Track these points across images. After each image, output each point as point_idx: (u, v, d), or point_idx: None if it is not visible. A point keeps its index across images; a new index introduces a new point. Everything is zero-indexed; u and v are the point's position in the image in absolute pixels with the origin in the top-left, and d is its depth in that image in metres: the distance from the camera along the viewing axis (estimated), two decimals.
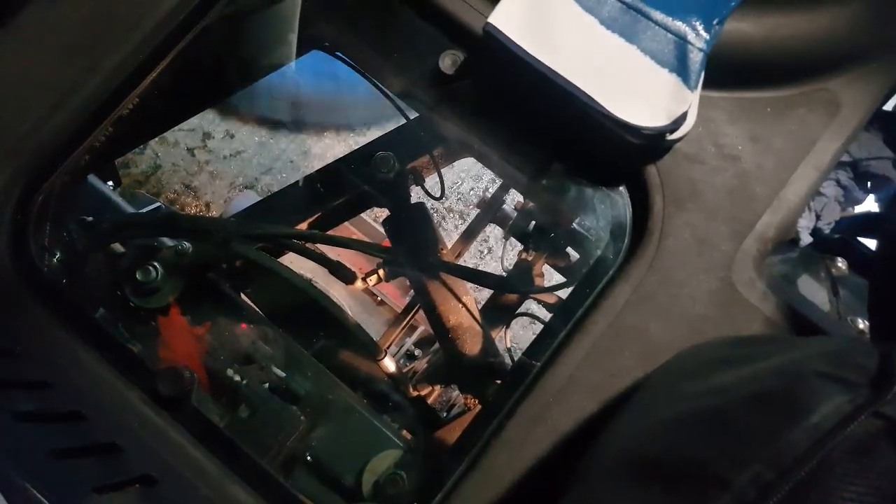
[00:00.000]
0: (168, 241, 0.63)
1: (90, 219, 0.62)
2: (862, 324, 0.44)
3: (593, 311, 0.41)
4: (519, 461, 0.38)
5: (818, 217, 0.93)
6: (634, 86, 0.40)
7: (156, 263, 0.58)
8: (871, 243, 0.57)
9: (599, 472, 0.32)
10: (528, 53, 0.40)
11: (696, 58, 0.40)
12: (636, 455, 0.29)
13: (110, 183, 0.79)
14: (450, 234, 1.76)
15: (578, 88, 0.40)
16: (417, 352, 1.19)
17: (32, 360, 0.39)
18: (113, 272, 0.59)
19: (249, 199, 1.59)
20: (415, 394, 0.69)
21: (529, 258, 0.84)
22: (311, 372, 0.60)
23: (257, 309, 0.66)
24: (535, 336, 0.47)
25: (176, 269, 0.59)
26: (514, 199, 1.14)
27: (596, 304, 0.42)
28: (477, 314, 0.70)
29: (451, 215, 1.87)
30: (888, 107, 0.58)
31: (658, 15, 0.41)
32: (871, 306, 0.39)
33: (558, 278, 0.89)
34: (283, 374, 0.59)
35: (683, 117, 0.40)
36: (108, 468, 0.34)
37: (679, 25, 0.41)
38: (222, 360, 0.57)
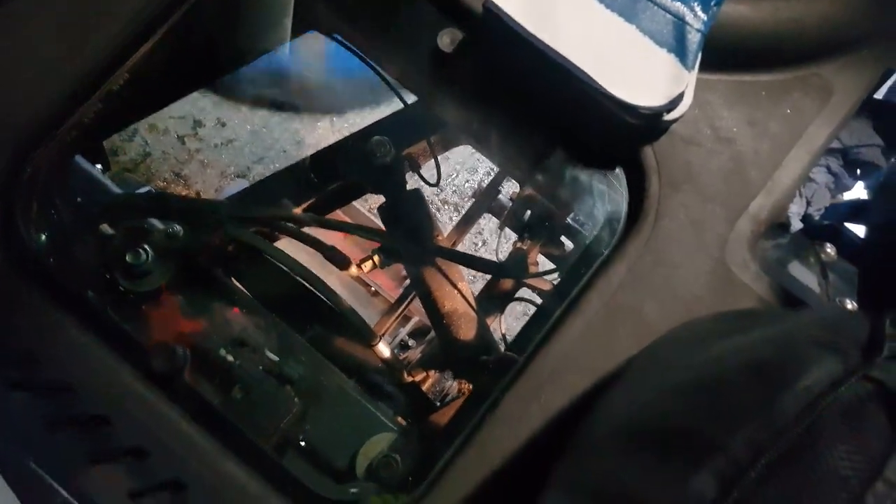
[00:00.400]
0: (158, 224, 0.62)
1: (78, 199, 0.61)
2: (850, 305, 0.45)
3: (588, 290, 0.42)
4: (513, 438, 0.39)
5: (809, 203, 0.94)
6: (632, 65, 0.40)
7: (146, 246, 0.57)
8: (860, 229, 0.58)
9: (593, 444, 0.32)
10: (527, 31, 0.40)
11: (693, 38, 0.40)
12: (630, 427, 0.30)
13: (99, 166, 0.78)
14: (445, 226, 1.76)
15: (577, 67, 0.40)
16: (411, 342, 1.19)
17: (21, 337, 0.39)
18: (102, 254, 0.58)
19: (241, 188, 1.56)
20: (409, 380, 0.69)
21: (524, 247, 0.84)
22: (304, 356, 0.59)
23: (249, 294, 0.66)
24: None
25: (167, 253, 0.58)
26: (509, 190, 1.15)
27: (591, 283, 0.42)
28: (472, 300, 0.70)
29: (447, 207, 1.86)
30: (878, 95, 0.59)
31: None
32: (861, 292, 0.40)
33: None
34: (277, 359, 0.59)
35: (680, 97, 0.41)
36: (99, 442, 0.34)
37: (677, 6, 0.41)
38: (215, 342, 0.57)
